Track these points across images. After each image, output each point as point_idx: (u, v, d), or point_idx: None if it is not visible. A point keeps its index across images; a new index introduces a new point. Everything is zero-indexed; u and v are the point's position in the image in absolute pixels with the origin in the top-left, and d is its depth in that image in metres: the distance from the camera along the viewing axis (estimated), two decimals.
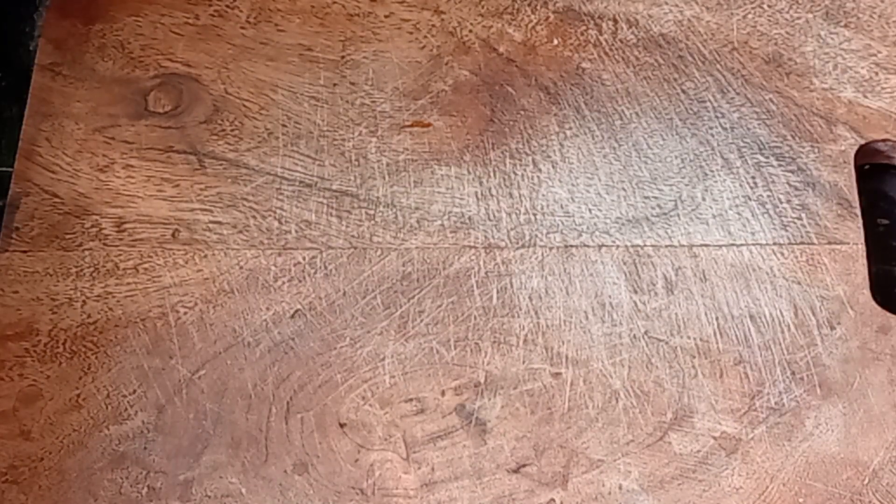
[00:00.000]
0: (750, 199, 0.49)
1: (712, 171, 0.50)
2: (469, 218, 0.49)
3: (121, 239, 0.50)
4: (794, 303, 0.47)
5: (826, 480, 0.43)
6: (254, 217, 0.50)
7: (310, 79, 0.53)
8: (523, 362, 0.46)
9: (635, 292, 0.47)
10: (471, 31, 0.54)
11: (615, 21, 0.53)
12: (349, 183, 0.50)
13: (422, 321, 0.47)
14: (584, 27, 0.53)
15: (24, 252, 0.50)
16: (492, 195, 0.50)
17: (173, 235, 0.50)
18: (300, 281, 0.48)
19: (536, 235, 0.49)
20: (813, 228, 0.48)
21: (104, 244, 0.50)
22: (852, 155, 0.50)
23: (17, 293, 0.49)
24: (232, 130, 0.52)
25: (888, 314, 0.46)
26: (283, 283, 0.48)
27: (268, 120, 0.52)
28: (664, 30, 0.53)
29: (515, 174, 0.50)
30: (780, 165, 0.50)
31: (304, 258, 0.49)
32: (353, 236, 0.49)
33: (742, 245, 0.48)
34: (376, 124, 0.52)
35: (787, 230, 0.48)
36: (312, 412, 0.46)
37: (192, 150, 0.51)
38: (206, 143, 0.52)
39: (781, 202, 0.49)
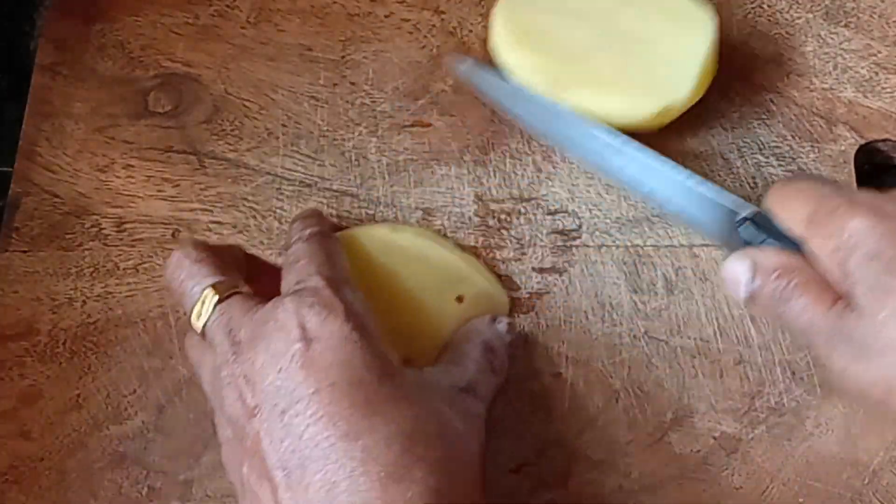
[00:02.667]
0: (750, 199, 0.49)
1: (712, 171, 0.50)
2: (469, 218, 0.49)
3: (121, 239, 0.50)
4: None
5: (826, 480, 0.43)
6: (254, 217, 0.50)
7: (310, 79, 0.53)
8: (523, 362, 0.46)
9: (635, 292, 0.47)
10: (471, 31, 0.54)
11: None
12: (349, 183, 0.50)
13: None
14: None
15: (24, 252, 0.50)
16: (492, 195, 0.50)
17: (173, 235, 0.50)
18: None
19: (536, 235, 0.48)
20: None
21: (104, 244, 0.50)
22: (852, 155, 0.50)
23: (17, 293, 0.49)
24: (232, 130, 0.52)
25: None
26: None
27: (268, 120, 0.52)
28: None
29: (515, 174, 0.50)
30: (780, 165, 0.50)
31: None
32: None
33: None
34: (376, 124, 0.52)
35: None
36: None
37: (192, 150, 0.51)
38: (206, 143, 0.52)
39: None
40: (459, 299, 0.46)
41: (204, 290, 0.40)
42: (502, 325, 0.45)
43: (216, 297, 0.39)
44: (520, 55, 0.48)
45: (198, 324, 0.40)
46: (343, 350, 0.36)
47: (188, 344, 0.42)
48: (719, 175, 0.49)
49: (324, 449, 0.34)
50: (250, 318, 0.38)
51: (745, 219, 0.40)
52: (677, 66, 0.47)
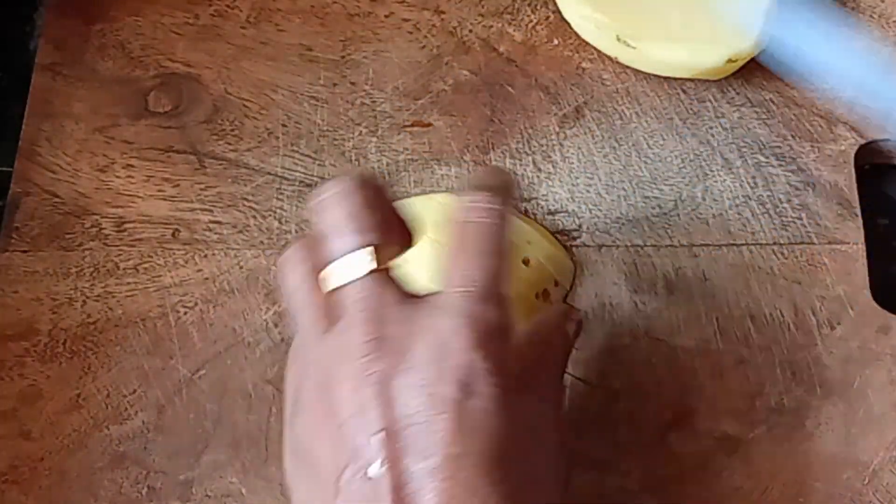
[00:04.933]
0: (750, 199, 0.49)
1: (712, 171, 0.50)
2: None
3: (121, 239, 0.50)
4: (794, 303, 0.47)
5: (826, 480, 0.43)
6: (254, 217, 0.50)
7: (310, 79, 0.53)
8: None
9: (635, 292, 0.47)
10: (471, 31, 0.54)
11: None
12: None
13: None
14: None
15: (24, 252, 0.50)
16: None
17: (173, 235, 0.50)
18: None
19: None
20: (813, 228, 0.48)
21: (104, 244, 0.50)
22: (852, 155, 0.50)
23: (17, 293, 0.49)
24: (232, 130, 0.52)
25: (888, 314, 0.46)
26: None
27: (268, 120, 0.52)
28: None
29: (515, 174, 0.50)
30: (780, 165, 0.50)
31: None
32: None
33: (742, 245, 0.48)
34: (376, 124, 0.52)
35: (787, 230, 0.48)
36: None
37: (193, 150, 0.51)
38: (207, 143, 0.52)
39: (781, 202, 0.49)
40: (525, 262, 0.46)
41: (363, 246, 0.32)
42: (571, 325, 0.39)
43: (374, 265, 0.32)
44: (585, 10, 0.50)
45: (335, 280, 0.33)
46: (500, 417, 0.30)
47: (287, 262, 0.35)
48: (719, 175, 0.49)
49: None
50: (404, 314, 0.31)
51: None
52: (743, 14, 0.49)
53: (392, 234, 0.34)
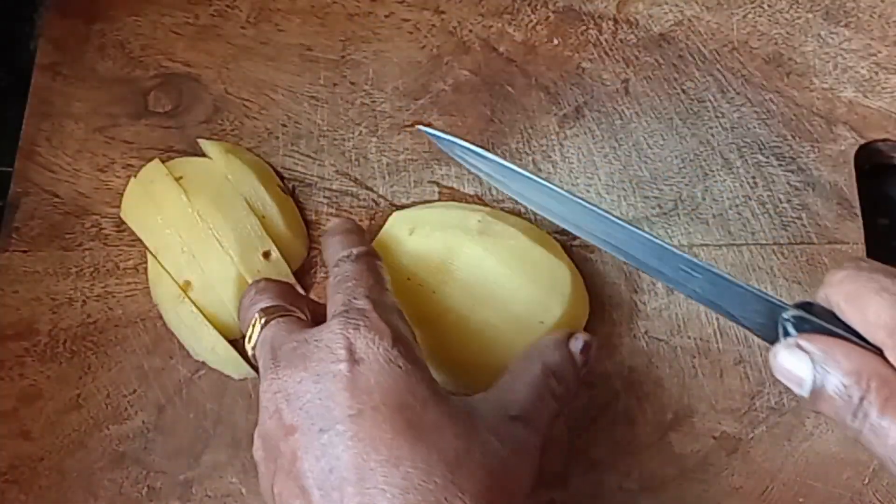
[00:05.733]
0: (750, 199, 0.49)
1: (712, 171, 0.50)
2: None
3: (121, 239, 0.50)
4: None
5: (826, 480, 0.43)
6: None
7: (310, 79, 0.53)
8: None
9: (635, 292, 0.47)
10: (471, 31, 0.54)
11: (615, 21, 0.53)
12: (349, 183, 0.50)
13: None
14: (584, 27, 0.53)
15: (24, 252, 0.50)
16: (492, 195, 0.50)
17: None
18: (300, 280, 0.48)
19: None
20: (813, 228, 0.48)
21: (104, 244, 0.50)
22: (852, 155, 0.50)
23: (17, 293, 0.49)
24: (232, 130, 0.52)
25: None
26: None
27: (268, 120, 0.52)
28: (664, 30, 0.53)
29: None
30: (780, 165, 0.50)
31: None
32: None
33: (742, 245, 0.48)
34: (376, 124, 0.52)
35: (787, 230, 0.48)
36: None
37: (192, 150, 0.51)
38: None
39: (781, 202, 0.49)
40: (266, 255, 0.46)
41: (255, 314, 0.40)
42: (578, 342, 0.41)
43: (263, 320, 0.40)
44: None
45: (248, 347, 0.40)
46: (389, 373, 0.35)
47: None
48: (719, 175, 0.49)
49: (363, 472, 0.34)
50: (295, 336, 0.38)
51: (795, 316, 0.34)
52: None
53: (286, 300, 0.42)
